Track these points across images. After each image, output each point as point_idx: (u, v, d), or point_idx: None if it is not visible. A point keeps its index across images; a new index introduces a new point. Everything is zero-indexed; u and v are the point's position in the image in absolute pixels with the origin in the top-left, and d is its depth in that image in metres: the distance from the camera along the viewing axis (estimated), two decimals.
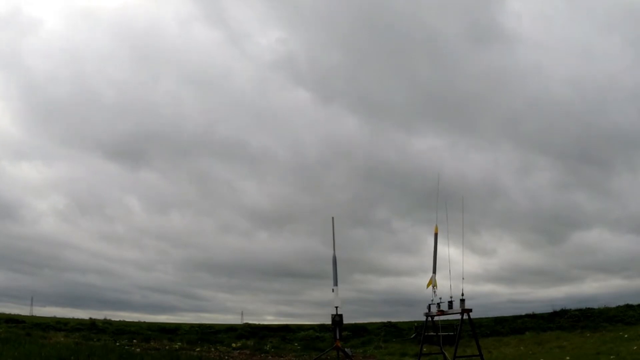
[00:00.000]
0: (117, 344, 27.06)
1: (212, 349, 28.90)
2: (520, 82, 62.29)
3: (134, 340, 29.89)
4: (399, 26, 61.15)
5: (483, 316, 37.69)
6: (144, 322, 44.05)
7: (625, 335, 25.26)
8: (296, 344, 33.00)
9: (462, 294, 18.69)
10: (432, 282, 20.16)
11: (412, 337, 33.62)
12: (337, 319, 20.63)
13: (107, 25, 72.01)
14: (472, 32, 62.68)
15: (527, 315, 38.96)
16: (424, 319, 21.09)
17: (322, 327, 38.87)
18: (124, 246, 67.16)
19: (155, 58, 70.20)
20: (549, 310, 38.47)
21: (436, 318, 20.62)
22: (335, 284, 22.08)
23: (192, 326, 42.05)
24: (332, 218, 22.80)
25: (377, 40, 63.94)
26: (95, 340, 28.65)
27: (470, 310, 18.74)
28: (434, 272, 20.23)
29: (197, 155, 70.05)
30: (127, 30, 69.87)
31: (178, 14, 74.14)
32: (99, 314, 42.38)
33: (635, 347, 20.93)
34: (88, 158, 71.71)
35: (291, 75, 69.02)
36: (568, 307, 37.89)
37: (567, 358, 21.03)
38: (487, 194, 60.66)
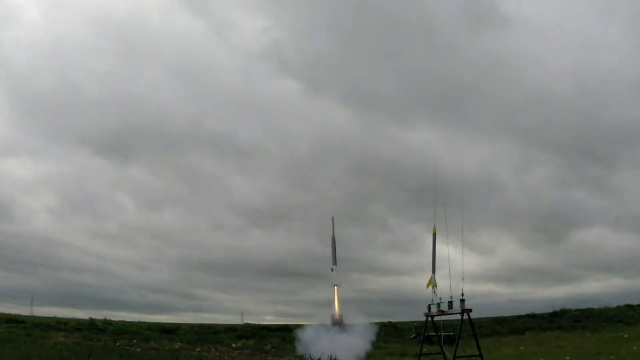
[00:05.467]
0: (117, 344, 27.05)
1: (212, 349, 28.93)
2: (518, 70, 61.18)
3: (134, 340, 29.88)
4: (390, 10, 59.78)
5: (483, 316, 37.63)
6: (144, 322, 43.96)
7: (625, 335, 25.26)
8: (296, 344, 32.99)
9: (462, 294, 18.72)
10: (432, 282, 20.19)
11: (412, 337, 33.70)
12: (338, 318, 21.11)
13: (87, 15, 70.77)
14: (468, 15, 61.31)
15: (527, 315, 38.98)
16: (424, 319, 21.11)
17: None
18: (117, 245, 66.38)
19: (138, 49, 68.69)
20: (549, 310, 38.56)
21: (436, 318, 20.64)
22: (335, 263, 23.44)
23: (191, 326, 42.03)
24: (332, 216, 23.27)
25: (366, 26, 62.20)
26: (95, 340, 28.64)
27: (470, 310, 18.74)
28: (433, 272, 20.27)
29: (185, 150, 68.79)
30: (108, 20, 68.56)
31: (159, 3, 73.06)
32: (98, 314, 42.09)
33: (635, 347, 20.93)
34: (75, 154, 70.46)
35: (278, 65, 67.95)
36: (568, 307, 37.96)
37: (567, 358, 21.04)
38: (485, 190, 59.90)
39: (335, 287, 24.00)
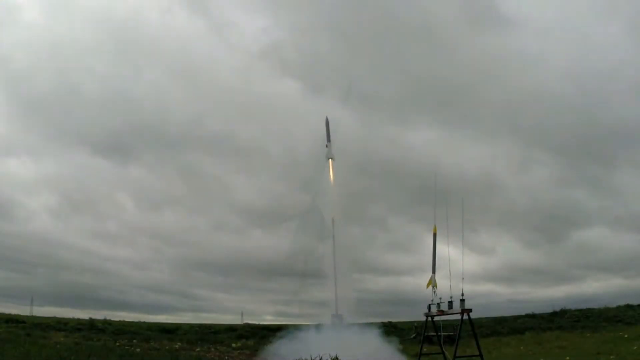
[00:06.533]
0: (117, 344, 27.03)
1: (212, 349, 28.92)
2: (518, 70, 61.14)
3: (134, 340, 29.86)
4: (390, 10, 59.56)
5: (483, 316, 37.68)
6: (144, 322, 43.99)
7: (625, 335, 25.26)
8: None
9: (462, 294, 18.72)
10: (432, 282, 20.20)
11: (412, 337, 33.67)
12: (339, 319, 21.24)
13: (87, 15, 70.58)
14: (468, 15, 61.34)
15: (527, 315, 38.98)
16: (424, 319, 21.11)
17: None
18: (117, 245, 66.28)
19: (138, 49, 68.66)
20: (549, 310, 38.58)
21: (436, 318, 20.65)
22: (328, 140, 27.20)
23: (191, 326, 42.03)
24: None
25: (367, 25, 61.91)
26: (95, 340, 28.61)
27: (470, 310, 18.73)
28: (433, 272, 20.28)
29: (185, 150, 68.95)
30: (108, 20, 68.32)
31: (159, 2, 72.76)
32: (98, 314, 42.16)
33: (635, 347, 20.95)
34: (75, 154, 70.33)
35: (278, 65, 67.90)
36: (568, 307, 37.97)
37: (567, 358, 21.05)
38: (485, 190, 59.86)
39: (330, 160, 27.14)
